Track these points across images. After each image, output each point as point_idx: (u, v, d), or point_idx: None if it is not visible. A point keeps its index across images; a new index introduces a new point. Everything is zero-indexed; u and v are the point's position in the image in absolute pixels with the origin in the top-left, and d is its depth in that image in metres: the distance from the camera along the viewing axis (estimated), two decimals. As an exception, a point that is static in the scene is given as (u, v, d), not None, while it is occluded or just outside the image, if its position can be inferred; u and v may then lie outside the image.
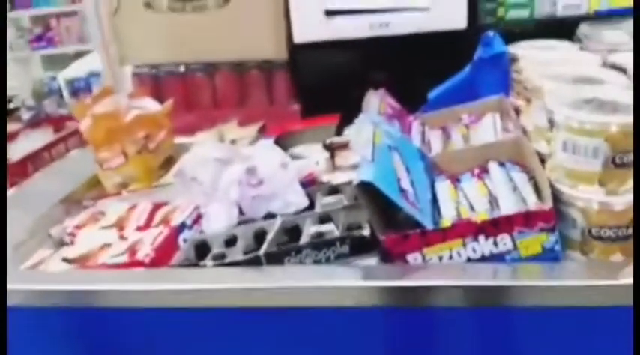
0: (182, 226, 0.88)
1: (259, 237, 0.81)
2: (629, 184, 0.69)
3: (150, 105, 1.22)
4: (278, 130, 1.28)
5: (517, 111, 1.02)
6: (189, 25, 1.42)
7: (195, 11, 1.40)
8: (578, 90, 0.81)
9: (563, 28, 1.19)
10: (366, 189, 0.73)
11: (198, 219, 0.91)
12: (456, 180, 0.88)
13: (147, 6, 1.42)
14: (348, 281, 0.70)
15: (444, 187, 0.86)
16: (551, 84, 0.85)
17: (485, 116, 1.05)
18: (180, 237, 0.87)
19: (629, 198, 0.69)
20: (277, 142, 1.13)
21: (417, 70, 1.28)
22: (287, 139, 1.24)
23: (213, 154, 0.93)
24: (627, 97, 0.74)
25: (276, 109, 1.41)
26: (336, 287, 0.69)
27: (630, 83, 0.84)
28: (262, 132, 1.32)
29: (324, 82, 1.39)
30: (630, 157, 0.69)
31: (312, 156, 1.13)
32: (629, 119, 0.68)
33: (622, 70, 0.90)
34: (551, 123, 0.74)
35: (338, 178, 1.01)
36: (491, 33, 1.12)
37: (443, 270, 0.70)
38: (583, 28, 1.15)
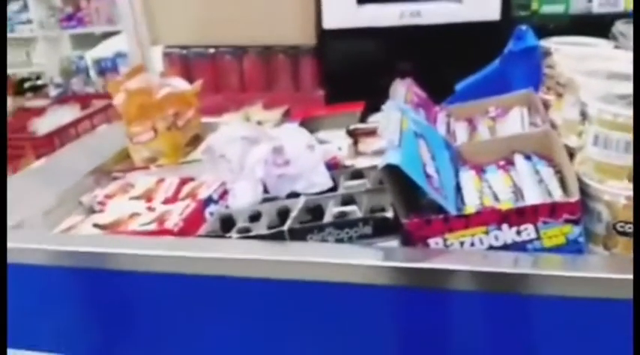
0: (208, 200, 0.91)
1: (283, 214, 0.83)
2: (659, 180, 0.68)
3: (180, 84, 1.25)
4: (302, 115, 1.29)
5: (546, 105, 1.01)
6: (219, 9, 1.44)
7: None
8: (613, 85, 0.80)
9: (598, 25, 1.17)
10: (392, 172, 0.73)
11: (224, 194, 0.93)
12: (480, 170, 0.88)
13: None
14: (368, 260, 0.71)
15: (468, 177, 0.87)
16: (586, 79, 0.84)
17: (512, 109, 1.04)
18: (207, 211, 0.89)
19: (657, 194, 0.68)
20: (301, 126, 1.14)
21: (446, 60, 1.28)
22: (310, 124, 1.25)
23: (241, 133, 0.95)
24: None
25: (302, 94, 1.43)
26: (357, 265, 0.70)
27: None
28: (287, 116, 1.34)
29: (351, 69, 1.39)
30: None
31: (334, 142, 1.14)
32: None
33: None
34: (584, 116, 0.74)
35: (361, 163, 1.01)
36: (524, 26, 1.11)
37: (464, 255, 0.71)
38: (619, 26, 1.13)
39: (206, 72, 1.45)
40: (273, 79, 1.46)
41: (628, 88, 0.78)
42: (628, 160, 0.69)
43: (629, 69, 0.89)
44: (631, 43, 1.02)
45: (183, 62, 1.50)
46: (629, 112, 0.69)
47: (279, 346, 0.76)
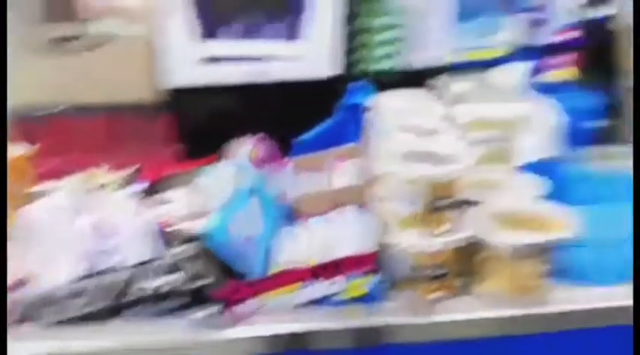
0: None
1: (105, 290, 0.79)
2: (445, 227, 0.76)
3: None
4: (153, 174, 1.25)
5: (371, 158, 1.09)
6: (61, 68, 1.38)
7: (66, 54, 1.37)
8: (410, 141, 0.88)
9: (423, 79, 1.30)
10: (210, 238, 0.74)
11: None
12: (306, 222, 0.91)
13: (22, 47, 1.36)
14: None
15: (292, 231, 0.89)
16: (396, 133, 0.93)
17: (346, 161, 1.12)
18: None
19: (442, 240, 0.75)
20: (151, 186, 1.11)
21: (292, 115, 1.34)
22: (161, 183, 1.22)
23: (60, 203, 0.90)
24: (455, 148, 0.83)
25: (153, 153, 1.39)
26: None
27: (461, 134, 0.94)
28: (136, 176, 1.29)
29: (204, 125, 1.40)
30: (447, 202, 0.76)
31: (181, 201, 1.12)
32: (449, 168, 0.77)
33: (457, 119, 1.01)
34: (381, 175, 0.80)
35: (199, 224, 1.00)
36: (358, 83, 1.21)
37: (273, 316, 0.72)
38: (440, 78, 1.27)
39: (48, 134, 1.37)
40: (121, 139, 1.41)
41: (426, 142, 0.87)
42: (418, 210, 0.75)
43: (431, 123, 1.00)
44: (443, 95, 1.15)
45: (25, 124, 1.40)
46: (419, 169, 0.76)
47: None
